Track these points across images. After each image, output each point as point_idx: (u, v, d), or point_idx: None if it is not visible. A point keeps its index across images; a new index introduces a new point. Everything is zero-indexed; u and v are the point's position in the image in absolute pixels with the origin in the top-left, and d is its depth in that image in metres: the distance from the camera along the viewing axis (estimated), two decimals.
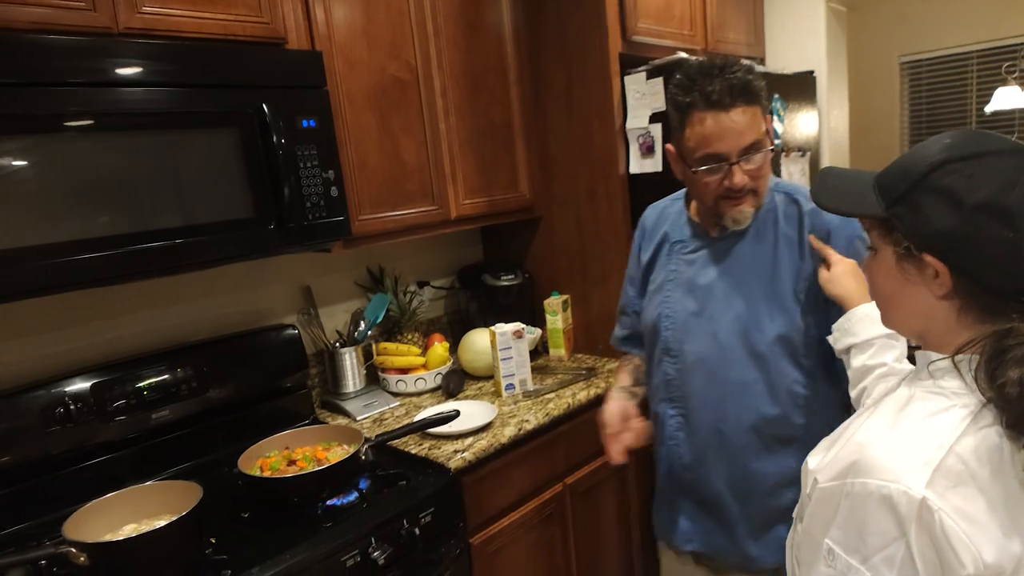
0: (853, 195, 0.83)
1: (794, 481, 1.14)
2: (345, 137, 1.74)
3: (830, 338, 1.24)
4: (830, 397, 1.34)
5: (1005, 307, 0.73)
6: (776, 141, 2.38)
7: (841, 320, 1.20)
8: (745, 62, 1.29)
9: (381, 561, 1.38)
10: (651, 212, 1.56)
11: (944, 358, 0.77)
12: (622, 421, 1.41)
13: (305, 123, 1.58)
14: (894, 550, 0.70)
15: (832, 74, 2.76)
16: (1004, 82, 3.75)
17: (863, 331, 1.15)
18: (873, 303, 0.98)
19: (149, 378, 1.64)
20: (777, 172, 2.34)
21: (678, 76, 1.31)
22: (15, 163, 1.22)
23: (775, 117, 2.35)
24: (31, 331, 1.59)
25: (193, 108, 1.43)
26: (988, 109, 3.91)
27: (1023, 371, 0.69)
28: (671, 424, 1.45)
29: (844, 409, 1.32)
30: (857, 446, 0.76)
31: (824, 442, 0.87)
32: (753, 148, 1.26)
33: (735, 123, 1.24)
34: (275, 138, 1.51)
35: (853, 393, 1.17)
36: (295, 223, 1.57)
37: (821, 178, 0.90)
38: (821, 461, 0.82)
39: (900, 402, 0.79)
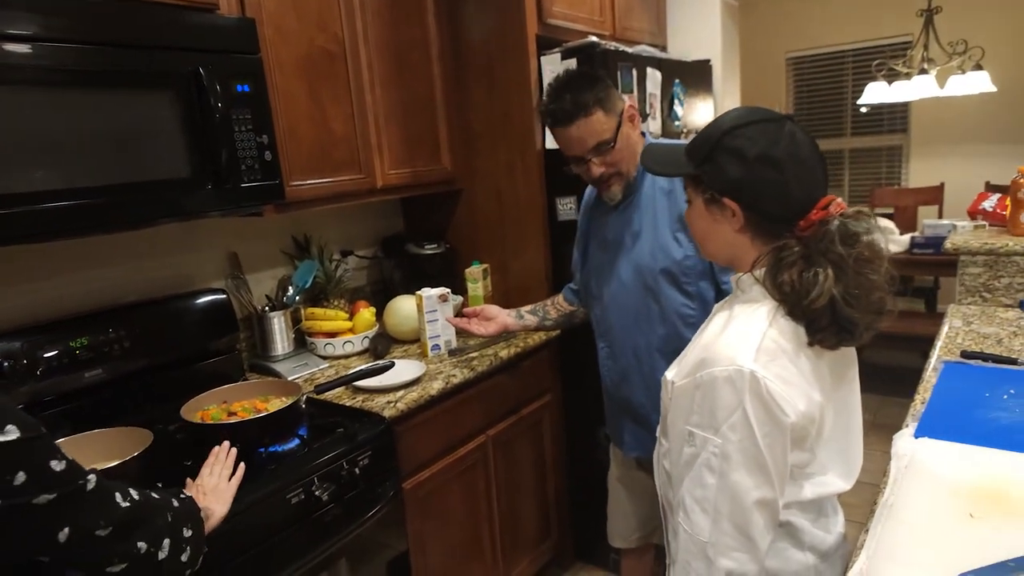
0: (672, 161, 1.09)
1: None
2: (276, 105, 1.80)
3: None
4: None
5: (781, 231, 0.98)
6: (676, 122, 2.60)
7: None
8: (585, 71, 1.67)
9: (324, 497, 1.49)
10: (588, 190, 1.84)
11: (745, 274, 1.03)
12: (483, 314, 1.97)
13: (240, 88, 1.64)
14: (736, 417, 0.93)
15: (726, 64, 3.01)
16: (874, 78, 4.16)
17: None
18: None
19: (81, 337, 1.66)
20: None
21: (545, 91, 1.63)
22: None
23: (676, 100, 2.57)
24: None
25: (131, 68, 1.46)
26: (860, 102, 4.32)
27: (791, 273, 0.95)
28: (602, 354, 1.77)
29: None
30: (701, 348, 1.01)
31: (676, 359, 1.11)
32: (597, 149, 1.57)
33: (577, 134, 1.56)
34: (211, 101, 1.56)
35: None
36: (231, 184, 1.63)
37: (647, 151, 1.16)
38: (676, 371, 1.06)
39: (725, 313, 1.05)
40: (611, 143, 1.57)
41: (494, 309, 2.02)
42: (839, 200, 0.98)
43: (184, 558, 1.02)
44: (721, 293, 1.60)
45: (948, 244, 2.38)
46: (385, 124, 2.12)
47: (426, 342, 2.09)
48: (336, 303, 2.21)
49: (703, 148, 1.02)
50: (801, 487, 1.01)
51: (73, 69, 1.38)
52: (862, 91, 4.67)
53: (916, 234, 3.92)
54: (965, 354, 1.79)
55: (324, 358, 2.12)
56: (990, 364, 1.74)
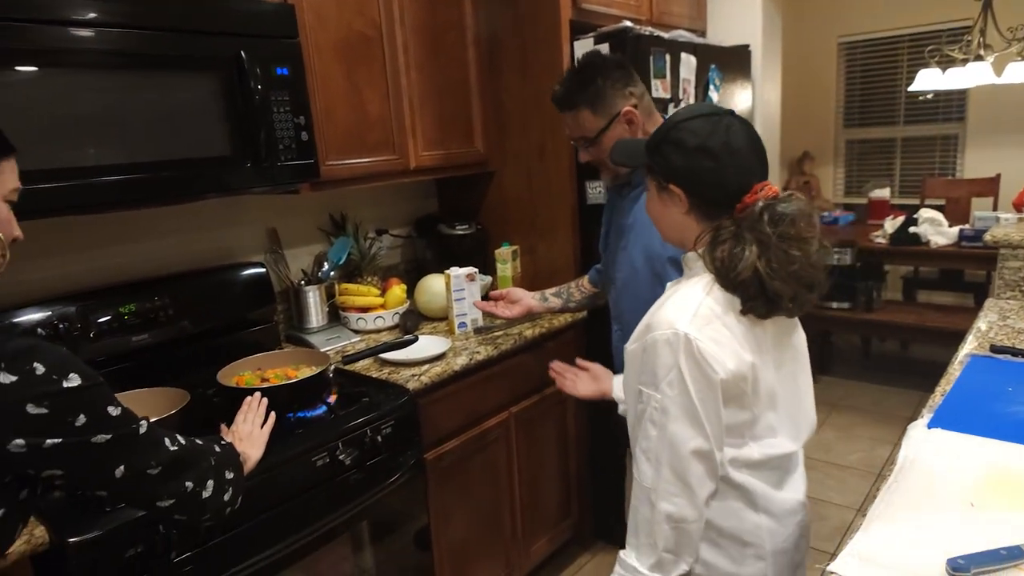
0: (633, 153, 1.22)
1: None
2: (314, 87, 1.87)
3: None
4: None
5: (720, 212, 1.10)
6: None
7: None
8: (592, 61, 1.66)
9: (348, 462, 1.57)
10: None
11: (691, 251, 1.15)
12: (508, 297, 2.03)
13: (279, 71, 1.72)
14: (673, 375, 1.04)
15: (767, 50, 2.98)
16: (927, 64, 4.03)
17: None
18: None
19: (129, 304, 1.78)
20: None
21: None
22: (8, 91, 1.32)
23: (711, 85, 2.56)
24: (15, 257, 1.70)
25: (177, 51, 1.55)
26: (912, 89, 4.20)
27: (723, 248, 1.06)
28: (615, 337, 1.80)
29: None
30: (648, 316, 1.12)
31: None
32: (578, 140, 1.67)
33: (566, 122, 1.68)
34: (252, 83, 1.64)
35: None
36: (269, 163, 1.71)
37: (617, 145, 1.31)
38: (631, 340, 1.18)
39: (674, 288, 1.18)
40: (589, 144, 1.65)
41: (519, 292, 2.07)
42: (772, 186, 1.09)
43: (226, 497, 1.12)
44: None
45: (988, 237, 2.33)
46: (419, 106, 2.18)
47: (453, 320, 2.16)
48: (369, 280, 2.30)
49: (654, 141, 1.15)
50: (749, 447, 1.12)
51: (125, 52, 1.47)
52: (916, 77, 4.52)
53: (965, 227, 3.82)
54: (994, 348, 1.77)
55: (356, 332, 2.21)
56: (1019, 359, 1.71)
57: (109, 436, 0.94)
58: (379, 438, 1.66)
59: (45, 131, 1.37)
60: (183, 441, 1.08)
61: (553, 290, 2.12)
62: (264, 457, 1.43)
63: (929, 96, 4.95)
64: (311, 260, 2.29)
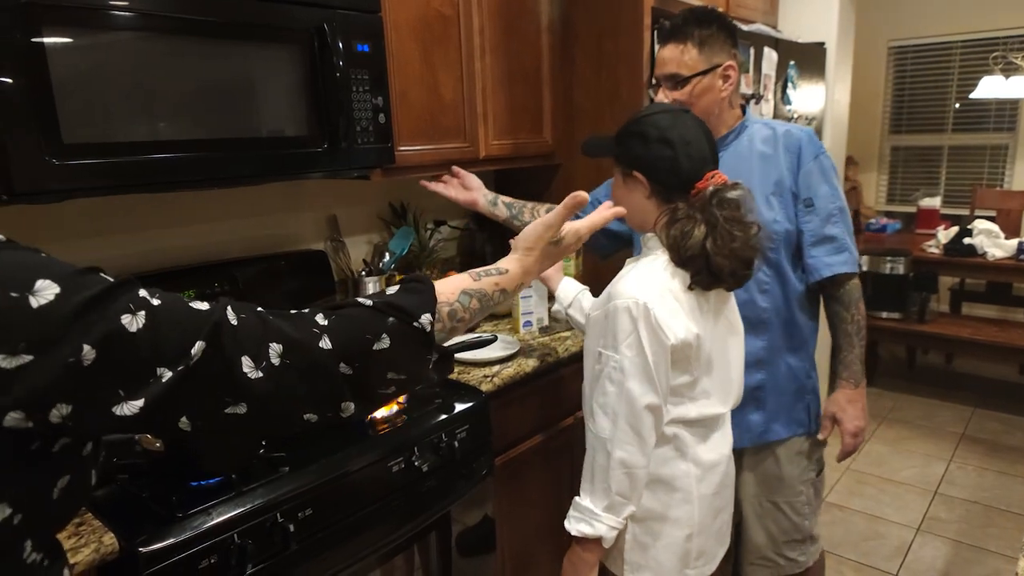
0: (603, 146, 1.36)
1: (762, 361, 1.62)
2: (391, 67, 1.76)
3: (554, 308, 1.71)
4: (796, 288, 1.61)
5: (676, 196, 1.24)
6: (788, 107, 2.48)
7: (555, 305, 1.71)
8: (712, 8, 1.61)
9: (424, 469, 1.47)
10: None
11: (651, 232, 1.28)
12: (464, 181, 1.93)
13: (360, 47, 1.61)
14: (632, 339, 1.19)
15: (840, 48, 2.85)
16: (990, 71, 3.90)
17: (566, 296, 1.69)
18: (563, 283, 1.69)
19: (189, 290, 1.67)
20: None
21: None
22: (77, 59, 1.20)
23: (789, 83, 2.45)
24: (77, 235, 1.61)
25: (258, 19, 1.44)
26: (973, 96, 4.07)
27: (677, 227, 1.21)
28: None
29: (813, 301, 1.65)
30: (611, 286, 1.27)
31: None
32: (670, 78, 1.57)
33: (667, 55, 1.59)
34: (334, 59, 1.54)
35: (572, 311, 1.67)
36: (347, 145, 1.60)
37: (587, 139, 1.43)
38: (592, 307, 1.32)
39: (633, 263, 1.32)
40: (681, 83, 1.56)
41: (475, 181, 1.95)
42: (721, 173, 1.23)
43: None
44: (802, 267, 1.59)
45: None
46: (492, 92, 2.07)
47: (518, 318, 2.05)
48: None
49: (620, 134, 1.30)
50: (687, 407, 1.27)
51: (200, 17, 1.35)
52: (968, 86, 4.38)
53: (1023, 240, 3.69)
54: None
55: None
56: None
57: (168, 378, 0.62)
58: (455, 443, 1.55)
59: (103, 100, 1.24)
60: (293, 334, 0.69)
61: (508, 200, 1.94)
62: (339, 463, 1.35)
63: (957, 105, 4.84)
64: (368, 250, 2.18)
